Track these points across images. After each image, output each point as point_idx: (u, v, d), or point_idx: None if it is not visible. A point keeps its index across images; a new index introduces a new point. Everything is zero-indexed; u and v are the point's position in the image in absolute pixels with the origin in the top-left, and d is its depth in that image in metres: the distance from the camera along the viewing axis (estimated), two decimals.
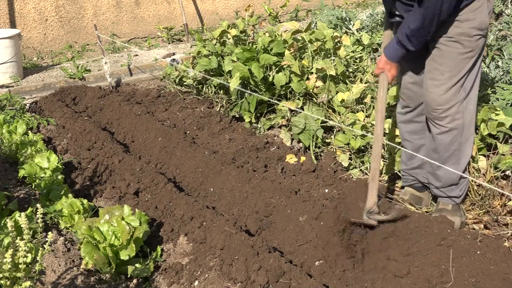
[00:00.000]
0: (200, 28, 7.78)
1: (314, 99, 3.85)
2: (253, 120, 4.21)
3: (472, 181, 2.78)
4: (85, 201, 2.97)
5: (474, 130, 2.69)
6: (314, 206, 2.86)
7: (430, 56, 2.56)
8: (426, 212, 2.89)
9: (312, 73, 3.87)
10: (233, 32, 4.68)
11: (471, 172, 2.84)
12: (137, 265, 2.57)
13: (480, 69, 2.59)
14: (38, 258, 1.89)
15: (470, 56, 2.49)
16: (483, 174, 2.86)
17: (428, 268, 2.35)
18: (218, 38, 4.70)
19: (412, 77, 2.74)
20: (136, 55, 6.56)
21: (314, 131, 3.57)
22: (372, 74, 2.71)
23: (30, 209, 2.78)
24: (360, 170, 3.35)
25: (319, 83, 3.76)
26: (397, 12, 2.57)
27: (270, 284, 2.34)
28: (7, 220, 1.92)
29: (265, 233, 2.87)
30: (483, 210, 2.77)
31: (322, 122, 3.58)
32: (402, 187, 3.07)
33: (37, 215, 2.03)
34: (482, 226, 2.71)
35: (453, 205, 2.73)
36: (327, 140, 3.68)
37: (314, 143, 3.59)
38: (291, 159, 3.57)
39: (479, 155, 2.94)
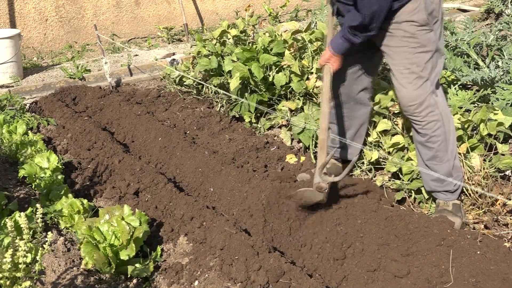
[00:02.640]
0: (200, 28, 7.78)
1: (314, 99, 3.86)
2: (253, 120, 4.21)
3: (466, 180, 2.80)
4: (85, 201, 2.97)
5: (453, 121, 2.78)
6: None
7: (387, 56, 2.70)
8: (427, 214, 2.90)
9: (312, 73, 3.87)
10: (233, 32, 4.68)
11: (465, 171, 2.84)
12: (137, 265, 2.57)
13: (442, 61, 2.69)
14: (38, 258, 1.89)
15: (424, 51, 2.58)
16: (478, 172, 2.85)
17: (428, 268, 2.35)
18: (218, 38, 4.70)
19: (352, 73, 2.95)
20: (136, 55, 6.56)
21: (314, 131, 3.57)
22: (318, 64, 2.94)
23: (30, 209, 2.78)
24: (361, 170, 3.35)
25: (319, 83, 3.76)
26: (340, 10, 2.74)
27: (270, 284, 2.34)
28: (7, 220, 1.92)
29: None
30: (483, 210, 2.77)
31: None
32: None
33: (37, 215, 2.03)
34: (482, 226, 2.71)
35: (453, 205, 2.74)
36: None
37: (314, 143, 3.59)
38: (291, 159, 3.56)
39: (473, 153, 2.94)
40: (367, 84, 3.03)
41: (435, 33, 2.59)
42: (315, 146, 3.62)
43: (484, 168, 2.83)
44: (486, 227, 2.71)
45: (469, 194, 2.84)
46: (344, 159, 3.29)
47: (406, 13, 2.54)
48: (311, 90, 3.82)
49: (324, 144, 2.72)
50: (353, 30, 2.57)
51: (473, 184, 2.79)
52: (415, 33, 2.56)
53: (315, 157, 3.58)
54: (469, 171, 2.86)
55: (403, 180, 3.00)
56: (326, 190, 2.65)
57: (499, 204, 2.74)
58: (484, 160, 2.94)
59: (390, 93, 3.31)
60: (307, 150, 3.67)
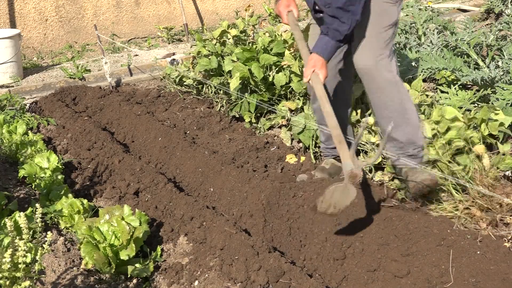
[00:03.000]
0: (200, 28, 7.78)
1: (313, 105, 3.85)
2: (253, 120, 4.21)
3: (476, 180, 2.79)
4: (85, 201, 2.97)
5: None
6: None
7: (357, 27, 2.74)
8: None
9: None
10: (233, 32, 4.68)
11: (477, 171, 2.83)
12: (137, 265, 2.57)
13: (394, 35, 2.86)
14: (37, 258, 1.89)
15: (390, 23, 2.76)
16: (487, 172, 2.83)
17: (428, 268, 2.35)
18: (218, 38, 4.70)
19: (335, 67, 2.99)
20: (136, 55, 6.56)
21: (314, 131, 3.57)
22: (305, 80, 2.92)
23: (30, 209, 2.78)
24: (362, 169, 3.34)
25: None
26: (317, 8, 2.77)
27: (270, 284, 2.34)
28: (7, 220, 1.92)
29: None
30: (484, 209, 2.76)
31: None
32: None
33: (37, 215, 2.03)
34: (484, 225, 2.70)
35: (417, 167, 2.80)
36: None
37: (314, 143, 3.59)
38: (291, 159, 3.56)
39: (484, 154, 2.92)
40: (349, 72, 3.07)
41: (398, 9, 2.80)
42: (315, 146, 3.62)
43: (493, 169, 2.82)
44: (487, 226, 2.70)
45: (476, 196, 2.81)
46: None
47: None
48: None
49: (342, 138, 2.52)
50: (348, 29, 2.63)
51: (481, 185, 2.77)
52: (387, 8, 2.74)
53: (315, 157, 3.59)
54: (480, 172, 2.84)
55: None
56: (360, 180, 2.44)
57: (499, 204, 2.73)
58: None
59: None
60: (307, 150, 3.67)
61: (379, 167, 3.28)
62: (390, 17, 2.77)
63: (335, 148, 3.07)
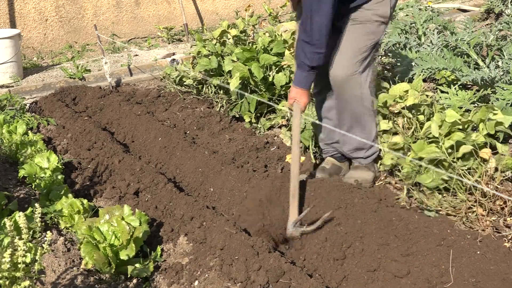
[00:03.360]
0: (200, 28, 7.78)
1: (314, 99, 3.85)
2: (253, 120, 4.21)
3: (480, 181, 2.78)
4: (85, 201, 2.97)
5: (375, 110, 3.08)
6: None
7: (342, 34, 2.90)
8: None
9: None
10: (233, 32, 4.68)
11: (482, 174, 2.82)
12: (137, 265, 2.57)
13: (376, 52, 3.00)
14: (37, 258, 1.89)
15: (373, 38, 2.87)
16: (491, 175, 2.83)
17: (428, 268, 2.35)
18: (218, 38, 4.70)
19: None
20: (136, 55, 6.56)
21: (314, 131, 3.57)
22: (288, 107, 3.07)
23: (30, 209, 2.78)
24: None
25: None
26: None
27: (270, 284, 2.33)
28: (6, 220, 1.92)
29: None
30: (487, 210, 2.75)
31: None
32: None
33: (36, 215, 2.03)
34: (485, 226, 2.70)
35: (367, 164, 3.11)
36: None
37: (313, 143, 3.59)
38: (291, 159, 3.56)
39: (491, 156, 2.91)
40: None
41: (385, 28, 2.92)
42: (315, 146, 3.62)
43: (499, 171, 2.81)
44: (492, 228, 2.69)
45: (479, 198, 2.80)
46: (343, 154, 3.28)
47: (373, 4, 2.83)
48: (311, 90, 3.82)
49: (296, 192, 2.72)
50: (310, 63, 2.74)
51: (487, 185, 2.77)
52: (374, 30, 2.86)
53: (315, 157, 3.59)
54: (486, 174, 2.84)
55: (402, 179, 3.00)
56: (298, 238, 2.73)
57: (500, 205, 2.73)
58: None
59: (392, 92, 3.31)
60: (307, 150, 3.67)
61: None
62: (374, 37, 2.88)
63: (334, 143, 3.22)
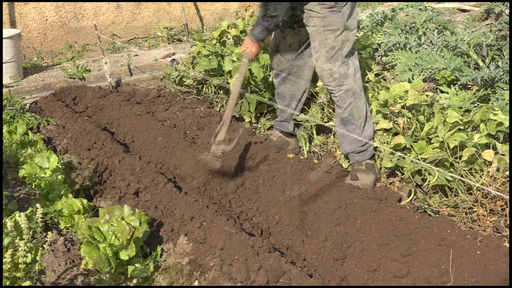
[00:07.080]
0: (200, 28, 7.78)
1: (314, 98, 3.86)
2: (253, 120, 4.21)
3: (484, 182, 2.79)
4: (85, 201, 2.97)
5: (367, 106, 3.20)
6: None
7: (309, 34, 3.12)
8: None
9: None
10: (233, 32, 4.68)
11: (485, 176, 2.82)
12: (137, 265, 2.57)
13: (352, 37, 3.10)
14: (37, 258, 1.89)
15: (333, 29, 3.01)
16: (494, 176, 2.82)
17: (428, 268, 2.35)
18: (218, 38, 4.70)
19: (283, 49, 3.43)
20: (136, 55, 6.56)
21: (308, 132, 3.61)
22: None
23: (30, 209, 2.78)
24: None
25: (319, 83, 3.76)
26: None
27: (270, 284, 2.33)
28: (7, 220, 1.92)
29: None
30: (488, 210, 2.76)
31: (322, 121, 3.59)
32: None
33: (37, 215, 2.03)
34: (485, 225, 2.70)
35: (366, 164, 3.17)
36: (329, 140, 3.71)
37: (308, 145, 3.63)
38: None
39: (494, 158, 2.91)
40: (307, 57, 3.40)
41: (344, 15, 3.01)
42: (315, 146, 3.63)
43: (500, 171, 2.81)
44: (492, 228, 2.69)
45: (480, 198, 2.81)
46: (289, 132, 3.68)
47: None
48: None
49: (228, 121, 3.20)
50: (265, 18, 3.08)
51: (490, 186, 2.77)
52: (325, 14, 2.99)
53: (316, 157, 3.59)
54: (490, 176, 2.84)
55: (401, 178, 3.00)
56: (220, 159, 3.17)
57: (500, 206, 2.73)
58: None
59: (392, 91, 3.31)
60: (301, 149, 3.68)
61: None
62: (331, 24, 3.01)
63: (283, 122, 3.68)
